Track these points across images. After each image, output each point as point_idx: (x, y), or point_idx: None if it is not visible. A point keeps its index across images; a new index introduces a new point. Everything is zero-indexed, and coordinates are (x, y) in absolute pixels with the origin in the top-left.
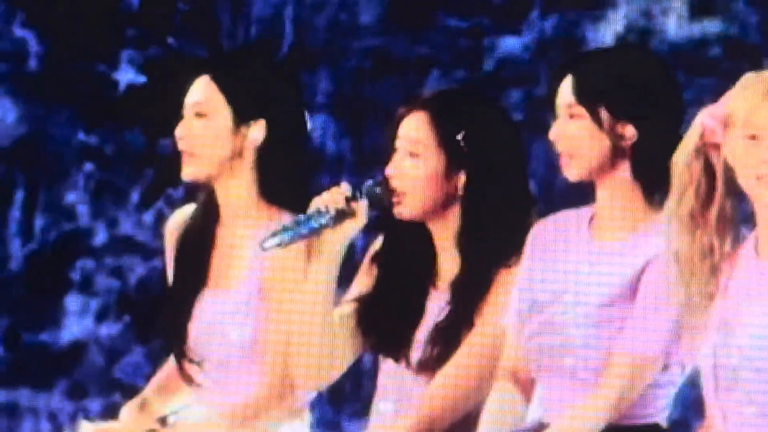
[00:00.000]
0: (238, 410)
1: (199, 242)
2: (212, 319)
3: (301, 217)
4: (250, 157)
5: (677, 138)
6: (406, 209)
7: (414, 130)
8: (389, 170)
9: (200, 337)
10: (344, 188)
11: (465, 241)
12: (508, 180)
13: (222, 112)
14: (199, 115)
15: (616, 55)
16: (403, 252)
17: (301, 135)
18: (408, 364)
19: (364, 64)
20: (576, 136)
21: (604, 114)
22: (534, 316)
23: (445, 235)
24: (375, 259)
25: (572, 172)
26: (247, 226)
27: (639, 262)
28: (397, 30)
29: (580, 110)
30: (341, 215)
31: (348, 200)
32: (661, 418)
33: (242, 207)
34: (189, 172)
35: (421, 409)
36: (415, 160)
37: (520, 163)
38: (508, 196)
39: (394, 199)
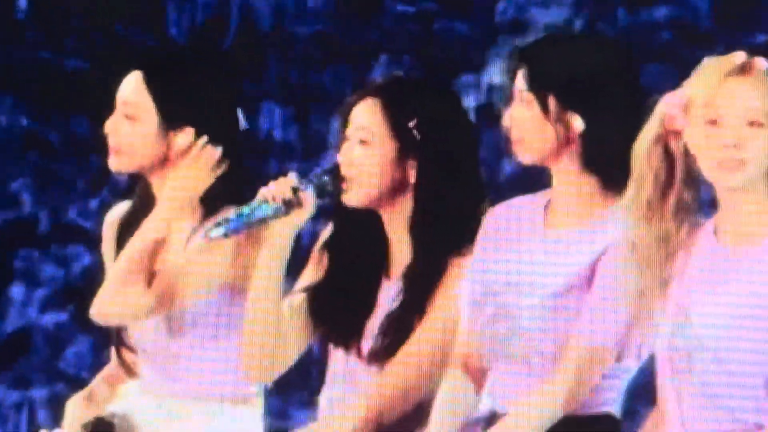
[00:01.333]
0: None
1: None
2: None
3: (247, 207)
4: (178, 161)
5: (632, 128)
6: (354, 196)
7: (365, 117)
8: (340, 157)
9: (142, 325)
10: (291, 178)
11: (417, 230)
12: (460, 168)
13: (150, 116)
14: (127, 116)
15: (572, 43)
16: (354, 240)
17: (233, 142)
18: (359, 353)
19: (311, 51)
20: (524, 122)
21: (552, 102)
22: (487, 304)
23: (396, 223)
24: (326, 247)
25: (523, 156)
26: (180, 219)
27: (595, 249)
28: (344, 15)
29: (530, 97)
30: (288, 205)
31: (295, 190)
32: (614, 408)
33: (177, 201)
34: (115, 164)
35: (371, 398)
36: (365, 147)
37: (472, 151)
38: (460, 184)
39: (344, 186)
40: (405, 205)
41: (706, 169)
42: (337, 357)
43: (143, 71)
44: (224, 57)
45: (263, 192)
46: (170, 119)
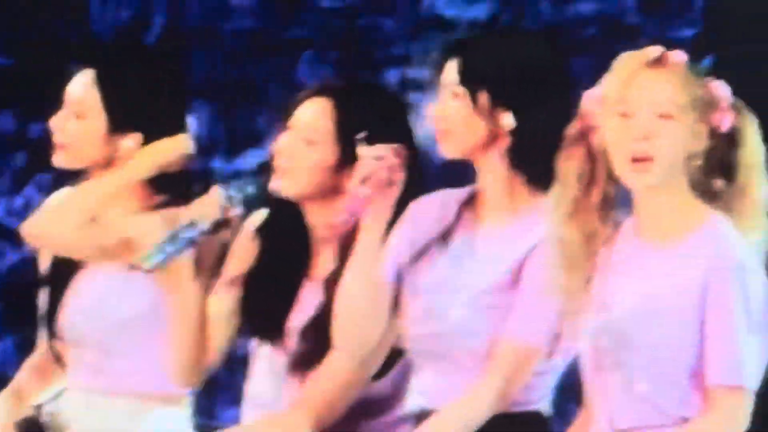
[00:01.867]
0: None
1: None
2: (90, 299)
3: (176, 230)
4: (122, 163)
5: (561, 126)
6: (283, 186)
7: (313, 117)
8: (277, 147)
9: (76, 316)
10: (216, 196)
11: (344, 239)
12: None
13: (98, 116)
14: (76, 114)
15: (505, 39)
16: (281, 236)
17: (182, 147)
18: (284, 350)
19: (236, 47)
20: (453, 115)
21: (484, 98)
22: (415, 301)
23: (323, 225)
24: (259, 232)
25: (448, 149)
26: (128, 209)
27: (522, 247)
28: (270, 11)
29: (462, 91)
30: (217, 225)
31: (223, 208)
32: (543, 406)
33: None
34: (61, 160)
35: (308, 402)
36: (308, 146)
37: (416, 160)
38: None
39: (275, 175)
40: (333, 210)
41: (619, 165)
42: (262, 353)
43: (95, 69)
44: (149, 54)
45: (191, 214)
46: (118, 122)
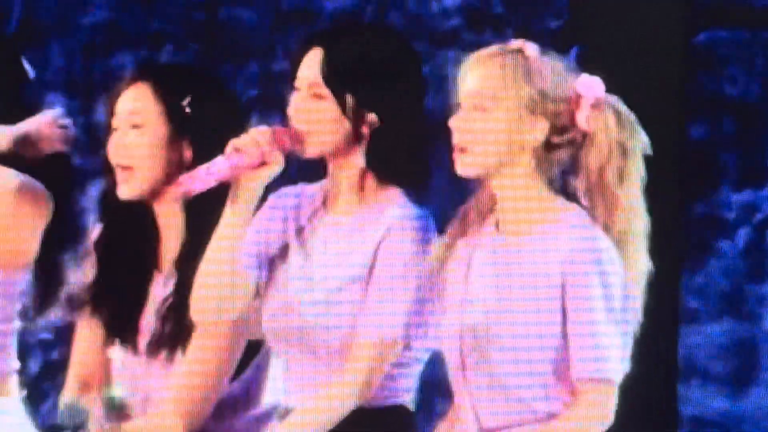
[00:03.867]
0: None
1: None
2: None
3: None
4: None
5: (416, 125)
6: (130, 188)
7: (135, 102)
8: (111, 147)
9: None
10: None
11: (192, 210)
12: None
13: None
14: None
15: (365, 38)
16: (123, 236)
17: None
18: (136, 351)
19: (95, 40)
20: (317, 116)
21: (350, 100)
22: (272, 295)
23: (168, 211)
24: (95, 246)
25: (308, 150)
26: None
27: (373, 237)
28: (128, 3)
29: (325, 92)
30: None
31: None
32: (406, 398)
33: None
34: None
35: (177, 398)
36: (138, 131)
37: (243, 128)
38: None
39: (120, 178)
40: (175, 194)
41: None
42: (116, 355)
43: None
44: (6, 47)
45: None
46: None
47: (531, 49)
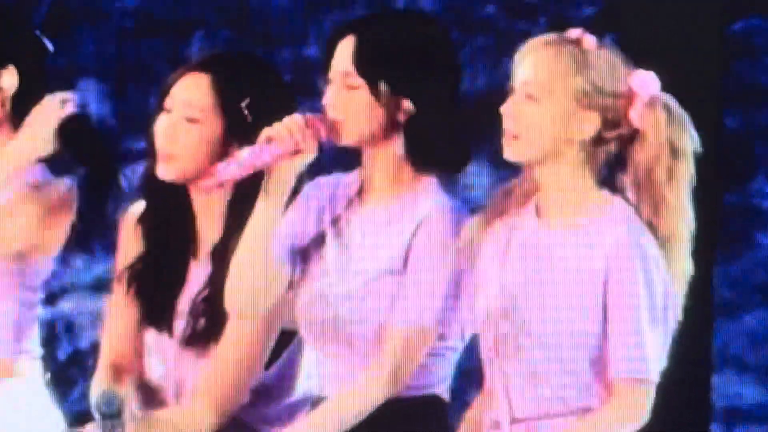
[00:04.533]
0: None
1: None
2: None
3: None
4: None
5: (452, 112)
6: (171, 170)
7: (192, 93)
8: (157, 129)
9: None
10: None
11: (236, 207)
12: None
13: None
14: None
15: (398, 24)
16: (163, 218)
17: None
18: (170, 334)
19: (126, 25)
20: (352, 106)
21: (383, 88)
22: (307, 286)
23: (208, 202)
24: (140, 222)
25: (343, 138)
26: None
27: (407, 227)
28: None
29: (359, 81)
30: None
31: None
32: (441, 389)
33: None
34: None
35: (208, 388)
36: (192, 125)
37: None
38: None
39: (159, 160)
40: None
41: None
42: (150, 339)
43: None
44: (36, 31)
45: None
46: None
47: (588, 40)
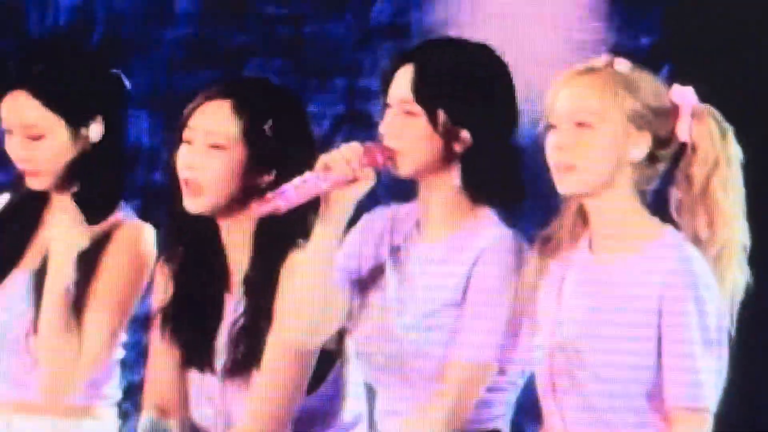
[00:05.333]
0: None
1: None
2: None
3: None
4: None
5: (509, 145)
6: (200, 203)
7: (214, 120)
8: (182, 160)
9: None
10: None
11: (262, 236)
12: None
13: (56, 127)
14: (34, 137)
15: (457, 53)
16: (194, 254)
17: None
18: (213, 372)
19: (177, 55)
20: (410, 133)
21: (441, 117)
22: (365, 319)
23: (236, 232)
24: (167, 261)
25: (400, 168)
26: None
27: (466, 259)
28: (211, 18)
29: (417, 109)
30: None
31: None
32: (500, 424)
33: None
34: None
35: (253, 415)
36: (218, 152)
37: (314, 154)
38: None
39: (186, 193)
40: (247, 214)
41: (553, 176)
42: (193, 378)
43: (27, 89)
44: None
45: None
46: (77, 119)
47: (622, 63)
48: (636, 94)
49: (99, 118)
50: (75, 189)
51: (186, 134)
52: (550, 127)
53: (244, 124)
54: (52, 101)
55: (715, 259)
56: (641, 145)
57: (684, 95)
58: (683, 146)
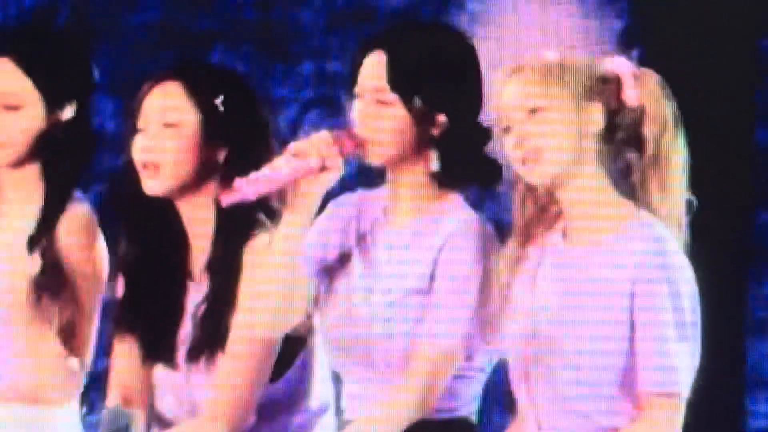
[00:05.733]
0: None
1: None
2: None
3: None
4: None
5: (482, 125)
6: (159, 184)
7: (167, 100)
8: (137, 146)
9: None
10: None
11: (225, 218)
12: (268, 146)
13: (34, 101)
14: (9, 107)
15: (428, 36)
16: (150, 243)
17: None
18: (174, 366)
19: (143, 39)
20: (384, 122)
21: (417, 103)
22: (332, 304)
23: (197, 212)
24: (120, 262)
25: (372, 157)
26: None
27: (434, 244)
28: (178, 3)
29: (391, 97)
30: None
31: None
32: (469, 411)
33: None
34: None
35: (216, 404)
36: (173, 130)
37: (271, 128)
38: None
39: (146, 175)
40: (206, 194)
41: (519, 172)
42: (157, 367)
43: (11, 56)
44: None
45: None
46: (55, 98)
47: (550, 54)
48: (575, 69)
49: (74, 102)
50: (31, 168)
51: (140, 122)
52: (505, 129)
53: (196, 98)
54: (37, 74)
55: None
56: (595, 116)
57: (620, 63)
58: (638, 114)
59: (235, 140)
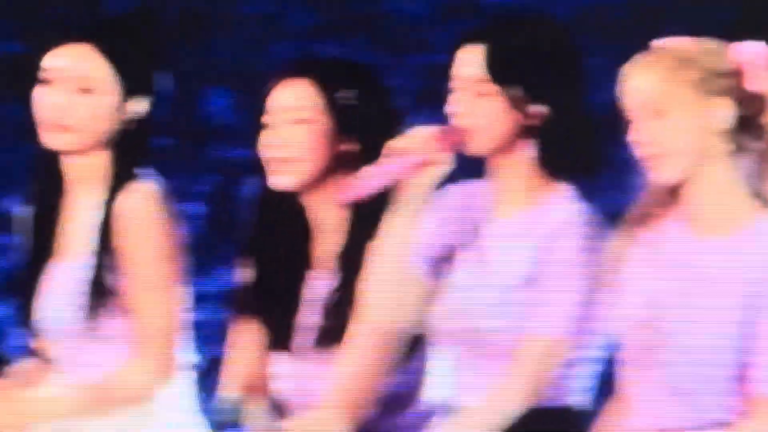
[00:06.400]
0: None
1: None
2: (57, 292)
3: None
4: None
5: (585, 116)
6: (287, 179)
7: (297, 97)
8: (266, 142)
9: (46, 310)
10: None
11: (358, 209)
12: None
13: (110, 89)
14: (82, 90)
15: (529, 28)
16: (277, 234)
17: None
18: (292, 350)
19: (256, 32)
20: (484, 113)
21: (518, 94)
22: (443, 297)
23: (323, 208)
24: (251, 247)
25: (474, 148)
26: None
27: (542, 236)
28: None
29: (491, 88)
30: None
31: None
32: (578, 399)
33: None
34: (62, 141)
35: (340, 400)
36: (302, 126)
37: (401, 124)
38: None
39: (273, 170)
40: (331, 189)
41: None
42: (273, 355)
43: (93, 42)
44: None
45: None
46: (132, 88)
47: (670, 41)
48: (692, 63)
49: (150, 96)
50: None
51: (267, 118)
52: (629, 121)
53: (326, 94)
54: (118, 63)
55: None
56: (722, 112)
57: (745, 49)
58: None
59: (368, 134)
